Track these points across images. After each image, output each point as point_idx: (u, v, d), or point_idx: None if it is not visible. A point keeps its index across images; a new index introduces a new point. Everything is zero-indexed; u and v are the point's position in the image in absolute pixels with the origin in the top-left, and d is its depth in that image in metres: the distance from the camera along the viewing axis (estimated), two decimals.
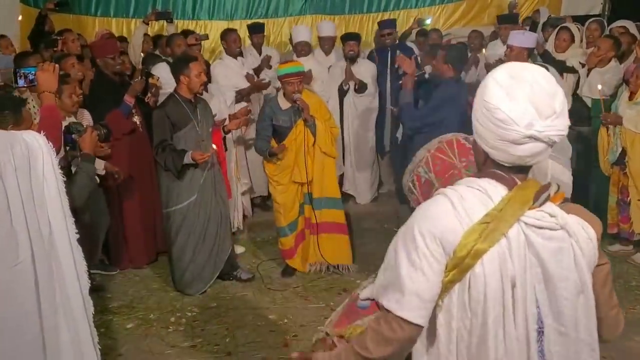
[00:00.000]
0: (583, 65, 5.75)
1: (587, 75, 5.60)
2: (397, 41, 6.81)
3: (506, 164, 1.60)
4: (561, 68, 5.95)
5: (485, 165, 1.66)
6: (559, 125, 1.52)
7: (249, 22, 7.64)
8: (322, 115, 5.01)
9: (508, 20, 6.63)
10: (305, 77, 5.54)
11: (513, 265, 1.54)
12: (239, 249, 5.65)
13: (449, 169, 3.35)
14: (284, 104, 4.89)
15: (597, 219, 1.66)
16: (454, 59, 4.72)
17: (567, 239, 1.57)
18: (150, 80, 5.26)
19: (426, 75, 5.18)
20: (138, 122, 5.21)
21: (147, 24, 7.13)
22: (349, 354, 1.68)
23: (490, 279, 1.54)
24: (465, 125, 4.90)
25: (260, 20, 7.77)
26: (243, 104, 5.84)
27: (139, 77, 5.27)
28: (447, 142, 3.44)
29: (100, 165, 4.68)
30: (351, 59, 6.31)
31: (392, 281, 1.61)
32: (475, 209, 1.56)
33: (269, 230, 6.18)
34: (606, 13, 8.26)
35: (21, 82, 3.15)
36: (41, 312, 2.59)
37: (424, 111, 4.72)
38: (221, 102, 5.61)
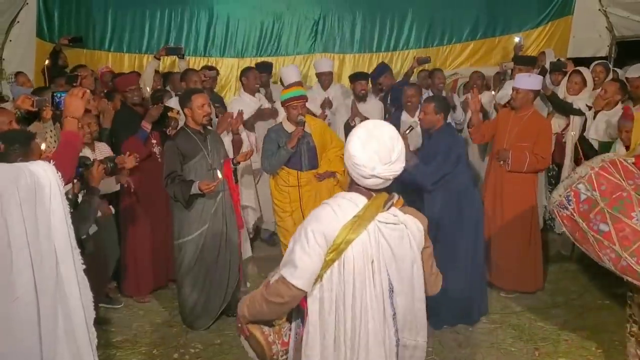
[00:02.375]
0: (590, 108, 5.79)
1: (594, 118, 5.64)
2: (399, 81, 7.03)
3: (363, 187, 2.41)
4: (568, 110, 6.01)
5: (352, 183, 2.44)
6: (394, 168, 2.34)
7: (259, 59, 7.77)
8: (326, 138, 5.20)
9: (525, 61, 6.63)
10: (325, 103, 6.14)
11: (371, 248, 2.34)
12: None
13: (617, 189, 3.42)
14: (289, 128, 5.08)
15: (423, 216, 2.48)
16: (443, 107, 4.79)
17: (405, 230, 2.39)
18: (170, 114, 5.36)
19: (417, 129, 5.16)
20: (157, 153, 5.30)
21: (159, 60, 7.24)
22: (258, 295, 2.48)
23: (357, 257, 2.32)
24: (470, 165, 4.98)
25: (269, 58, 7.90)
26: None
27: (157, 104, 5.36)
28: (611, 161, 3.52)
29: (113, 183, 4.77)
30: (362, 98, 6.40)
31: (289, 261, 2.35)
32: (348, 212, 2.35)
33: (275, 265, 6.15)
34: (613, 56, 8.36)
35: (54, 106, 3.21)
36: (42, 348, 2.55)
37: (438, 164, 4.62)
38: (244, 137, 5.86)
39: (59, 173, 2.63)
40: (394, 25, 9.07)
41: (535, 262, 5.36)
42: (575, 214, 3.51)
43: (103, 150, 5.07)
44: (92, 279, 3.94)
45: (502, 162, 5.18)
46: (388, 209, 2.38)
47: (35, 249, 2.52)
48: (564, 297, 5.41)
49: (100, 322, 4.85)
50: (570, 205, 3.51)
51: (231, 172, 4.89)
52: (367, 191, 2.39)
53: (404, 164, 2.38)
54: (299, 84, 6.42)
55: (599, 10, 8.40)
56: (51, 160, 2.69)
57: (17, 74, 6.94)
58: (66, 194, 3.21)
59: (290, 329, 2.62)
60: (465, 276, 4.66)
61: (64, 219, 2.61)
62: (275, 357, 2.62)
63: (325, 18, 9.00)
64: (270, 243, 6.64)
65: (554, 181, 6.26)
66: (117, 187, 4.90)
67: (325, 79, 6.93)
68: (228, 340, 4.65)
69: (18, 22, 8.16)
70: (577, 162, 5.67)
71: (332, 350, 2.40)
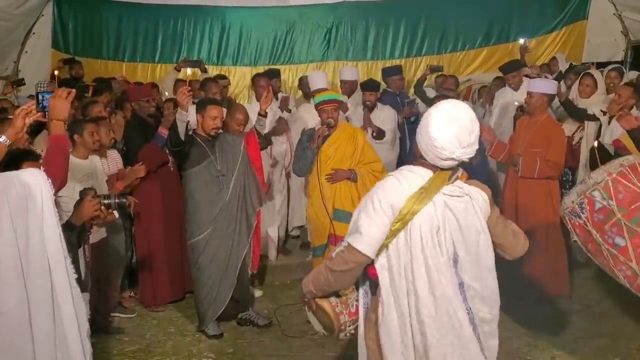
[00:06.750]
0: (604, 113, 5.72)
1: (609, 123, 5.57)
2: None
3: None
4: (583, 116, 5.94)
5: (419, 157, 2.52)
6: (470, 151, 2.41)
7: (272, 67, 7.78)
8: (348, 150, 5.03)
9: (510, 69, 6.53)
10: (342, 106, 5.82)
11: (437, 218, 2.43)
12: (257, 293, 5.64)
13: (636, 199, 3.12)
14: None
15: (486, 187, 2.57)
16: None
17: (469, 201, 2.49)
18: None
19: None
20: (170, 162, 5.31)
21: (178, 71, 7.32)
22: (322, 268, 2.60)
23: (423, 227, 2.42)
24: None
25: (282, 66, 7.93)
26: None
27: (172, 109, 5.36)
28: (630, 166, 3.21)
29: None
30: (369, 109, 6.38)
31: (354, 228, 2.48)
32: (414, 184, 2.45)
33: (288, 274, 6.17)
34: (628, 60, 8.28)
35: (39, 108, 2.93)
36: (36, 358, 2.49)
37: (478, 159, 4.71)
38: None
39: (50, 180, 2.57)
40: (407, 32, 9.08)
41: (557, 267, 5.28)
42: (588, 224, 3.24)
43: (114, 158, 5.10)
44: (102, 291, 3.87)
45: (515, 167, 5.14)
46: (453, 182, 2.47)
47: (27, 260, 2.48)
48: (581, 304, 5.33)
49: (114, 332, 4.88)
50: (583, 213, 3.23)
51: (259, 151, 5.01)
52: (433, 165, 2.46)
53: (477, 146, 2.43)
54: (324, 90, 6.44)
55: (614, 14, 8.34)
56: (41, 167, 2.65)
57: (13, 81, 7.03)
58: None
59: (356, 299, 2.70)
60: None
61: (56, 227, 2.57)
62: (343, 328, 2.70)
63: (338, 26, 9.04)
64: (284, 252, 6.63)
65: (567, 185, 6.19)
66: (116, 216, 4.82)
67: (348, 87, 6.96)
68: (240, 350, 4.64)
69: (34, 33, 8.29)
70: (592, 167, 5.59)
71: (408, 317, 2.46)
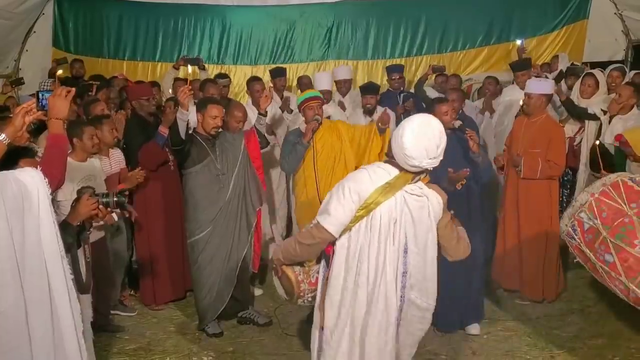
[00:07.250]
0: (605, 112, 5.72)
1: (609, 123, 5.57)
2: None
3: None
4: (583, 115, 5.94)
5: (391, 157, 2.86)
6: (435, 162, 2.76)
7: (273, 67, 7.77)
8: (337, 144, 5.04)
9: (521, 67, 6.60)
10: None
11: (396, 211, 2.81)
12: (257, 291, 5.64)
13: (618, 216, 3.23)
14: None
15: (443, 192, 2.94)
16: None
17: (426, 202, 2.86)
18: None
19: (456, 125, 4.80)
20: (170, 161, 5.30)
21: (177, 69, 7.30)
22: (292, 240, 3.02)
23: (383, 217, 2.80)
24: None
25: (282, 65, 7.92)
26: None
27: (172, 108, 5.36)
28: (613, 184, 3.35)
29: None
30: (369, 112, 6.38)
31: (325, 209, 2.85)
32: (382, 178, 2.82)
33: None
34: (629, 59, 8.28)
35: (39, 106, 2.95)
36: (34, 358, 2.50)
37: (487, 162, 4.78)
38: None
39: (47, 179, 2.57)
40: (407, 32, 9.09)
41: (550, 271, 5.27)
42: (582, 244, 3.37)
43: (117, 158, 5.10)
44: (102, 290, 3.82)
45: (517, 168, 5.13)
46: (415, 182, 2.84)
47: (23, 260, 2.47)
48: (580, 304, 5.34)
49: (114, 330, 4.88)
50: (576, 235, 3.37)
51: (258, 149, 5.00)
52: (400, 166, 2.81)
53: (442, 158, 2.78)
54: (327, 92, 6.50)
55: (615, 14, 8.35)
56: (39, 167, 2.64)
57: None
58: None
59: (317, 272, 3.08)
60: (460, 277, 4.53)
61: (52, 227, 2.56)
62: (302, 295, 3.10)
63: (339, 25, 9.05)
64: None
65: (569, 185, 6.20)
66: (115, 219, 4.84)
67: (342, 86, 6.97)
68: (240, 349, 4.64)
69: (34, 32, 8.31)
70: (592, 166, 5.61)
71: (351, 292, 2.87)
